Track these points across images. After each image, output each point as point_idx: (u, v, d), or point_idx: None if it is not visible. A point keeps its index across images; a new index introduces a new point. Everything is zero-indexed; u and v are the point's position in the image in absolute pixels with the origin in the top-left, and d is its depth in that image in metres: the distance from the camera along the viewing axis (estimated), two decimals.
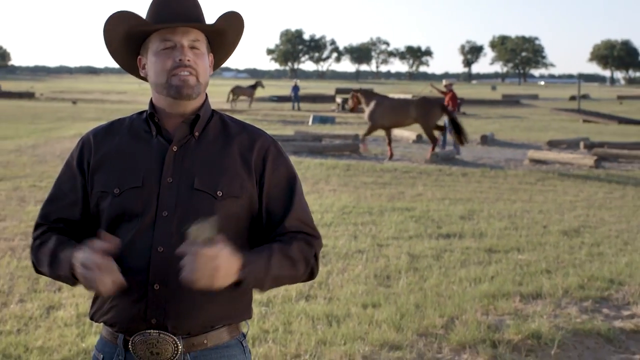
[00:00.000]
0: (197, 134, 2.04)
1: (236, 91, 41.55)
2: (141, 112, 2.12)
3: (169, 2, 2.00)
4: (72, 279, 1.93)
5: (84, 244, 1.87)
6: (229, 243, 1.83)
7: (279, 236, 2.04)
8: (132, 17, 1.99)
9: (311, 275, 2.08)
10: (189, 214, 1.94)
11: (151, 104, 2.07)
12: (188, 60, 1.98)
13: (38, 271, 2.08)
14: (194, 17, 2.01)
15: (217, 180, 1.99)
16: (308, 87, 65.57)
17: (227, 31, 2.10)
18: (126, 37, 2.04)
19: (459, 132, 15.17)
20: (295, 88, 41.23)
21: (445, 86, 18.78)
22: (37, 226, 2.10)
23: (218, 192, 1.98)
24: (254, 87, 42.28)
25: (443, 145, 18.24)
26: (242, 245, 2.03)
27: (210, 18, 2.08)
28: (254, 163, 2.04)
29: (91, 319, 2.06)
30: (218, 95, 53.23)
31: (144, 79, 2.11)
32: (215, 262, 1.78)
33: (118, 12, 2.00)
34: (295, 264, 2.00)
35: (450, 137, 17.33)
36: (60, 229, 2.06)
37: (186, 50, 1.99)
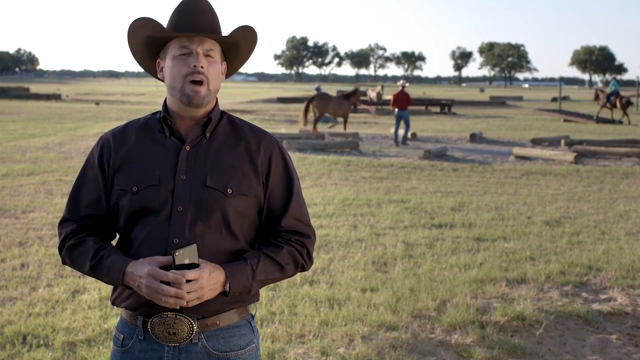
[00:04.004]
0: (208, 135, 2.05)
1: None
2: (155, 113, 2.12)
3: (189, 13, 2.01)
4: (122, 286, 1.96)
5: (144, 259, 1.90)
6: (209, 261, 1.91)
7: (274, 235, 2.07)
8: (153, 24, 2.01)
9: (302, 270, 2.12)
10: (202, 209, 1.96)
11: (164, 107, 2.07)
12: (201, 67, 1.98)
13: (66, 264, 2.08)
14: (211, 27, 2.01)
15: (228, 179, 2.00)
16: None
17: (240, 43, 2.09)
18: (147, 41, 2.05)
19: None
20: (319, 90, 39.89)
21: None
22: (64, 220, 2.10)
23: (228, 190, 1.99)
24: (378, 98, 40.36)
25: (396, 139, 18.87)
26: (251, 239, 2.05)
27: (223, 26, 2.08)
28: (260, 163, 2.05)
29: (112, 303, 2.07)
30: (228, 96, 53.27)
31: (162, 80, 2.11)
32: (198, 283, 1.84)
33: (142, 18, 2.02)
34: (283, 267, 2.04)
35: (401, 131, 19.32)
36: (89, 226, 2.06)
37: (201, 57, 1.99)
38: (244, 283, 1.95)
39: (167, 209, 1.96)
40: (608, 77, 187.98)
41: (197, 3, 2.02)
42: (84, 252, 2.01)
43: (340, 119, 22.05)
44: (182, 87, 1.99)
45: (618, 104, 30.17)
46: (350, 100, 21.50)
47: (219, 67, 2.05)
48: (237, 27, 2.06)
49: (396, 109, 18.91)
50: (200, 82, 1.98)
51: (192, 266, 1.85)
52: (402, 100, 19.00)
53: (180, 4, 2.03)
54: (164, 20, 2.07)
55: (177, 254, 1.83)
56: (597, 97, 33.16)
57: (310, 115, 20.83)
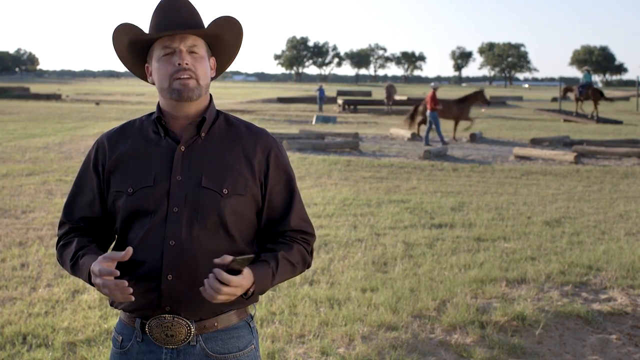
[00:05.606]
0: (203, 134, 2.03)
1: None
2: (150, 114, 2.11)
3: (166, 12, 1.99)
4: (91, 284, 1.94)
5: (100, 255, 1.87)
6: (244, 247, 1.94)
7: (281, 234, 2.06)
8: (132, 28, 2.01)
9: (307, 267, 2.13)
10: (198, 210, 1.95)
11: (158, 107, 2.06)
12: (187, 64, 1.97)
13: (61, 265, 2.09)
14: (190, 23, 2.00)
15: (223, 179, 1.98)
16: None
17: (224, 35, 2.07)
18: (131, 47, 2.05)
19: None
20: (321, 91, 38.85)
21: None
22: (61, 224, 2.12)
23: (224, 190, 1.97)
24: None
25: (426, 141, 19.17)
26: (248, 239, 2.04)
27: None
28: (257, 163, 2.03)
29: (111, 305, 2.07)
30: (228, 96, 53.25)
31: (153, 84, 2.10)
32: (235, 291, 1.83)
33: (121, 24, 2.02)
34: (295, 266, 2.05)
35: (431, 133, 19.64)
36: (82, 228, 2.07)
37: (184, 54, 1.97)
38: (265, 286, 1.96)
39: (162, 210, 1.95)
40: (608, 77, 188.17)
41: (174, 1, 2.01)
42: (68, 252, 2.02)
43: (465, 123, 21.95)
44: (169, 85, 1.98)
45: (590, 96, 30.37)
46: (466, 103, 21.27)
47: (206, 62, 2.03)
48: (217, 18, 2.04)
49: (428, 110, 19.40)
50: (187, 78, 1.97)
51: (235, 272, 1.84)
52: (431, 102, 19.33)
53: (158, 4, 2.02)
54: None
55: (236, 260, 1.82)
56: (565, 94, 33.36)
57: (418, 119, 21.18)
